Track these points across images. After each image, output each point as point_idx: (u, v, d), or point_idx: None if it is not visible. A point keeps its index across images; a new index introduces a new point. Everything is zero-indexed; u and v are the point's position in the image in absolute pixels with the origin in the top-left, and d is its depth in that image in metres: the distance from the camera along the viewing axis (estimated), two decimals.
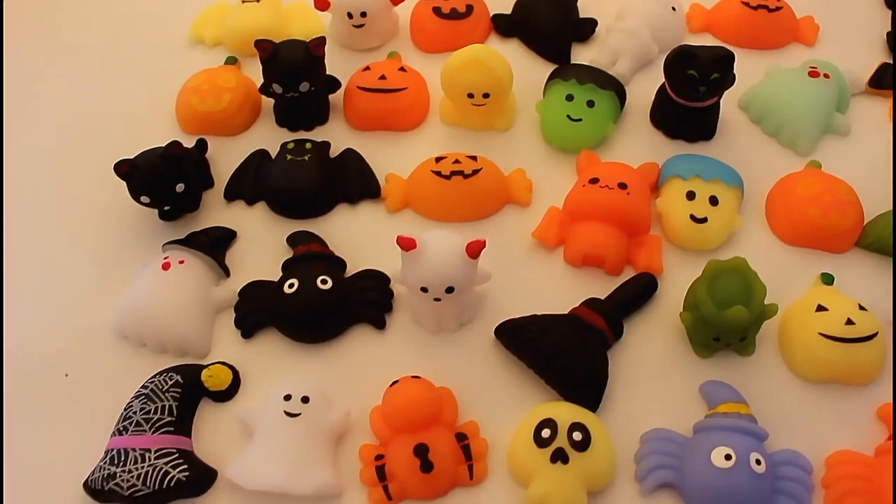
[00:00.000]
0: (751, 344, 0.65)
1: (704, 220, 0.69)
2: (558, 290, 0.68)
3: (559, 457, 0.56)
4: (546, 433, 0.57)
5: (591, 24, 0.87)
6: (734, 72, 0.71)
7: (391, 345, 0.67)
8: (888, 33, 0.87)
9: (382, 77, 0.79)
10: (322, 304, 0.65)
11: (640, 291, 0.67)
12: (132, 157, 0.69)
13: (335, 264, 0.69)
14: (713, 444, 0.57)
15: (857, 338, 0.62)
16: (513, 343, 0.64)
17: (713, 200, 0.70)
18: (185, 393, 0.63)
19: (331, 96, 0.80)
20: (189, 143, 0.76)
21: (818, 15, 0.88)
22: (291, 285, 0.66)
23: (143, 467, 0.58)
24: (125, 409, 0.62)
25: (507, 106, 0.79)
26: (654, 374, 0.64)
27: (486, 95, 0.74)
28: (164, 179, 0.69)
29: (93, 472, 0.60)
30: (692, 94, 0.72)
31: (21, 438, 0.63)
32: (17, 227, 0.75)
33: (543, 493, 0.56)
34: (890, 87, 0.82)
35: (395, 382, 0.61)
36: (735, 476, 0.56)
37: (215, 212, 0.75)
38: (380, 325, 0.67)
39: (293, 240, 0.71)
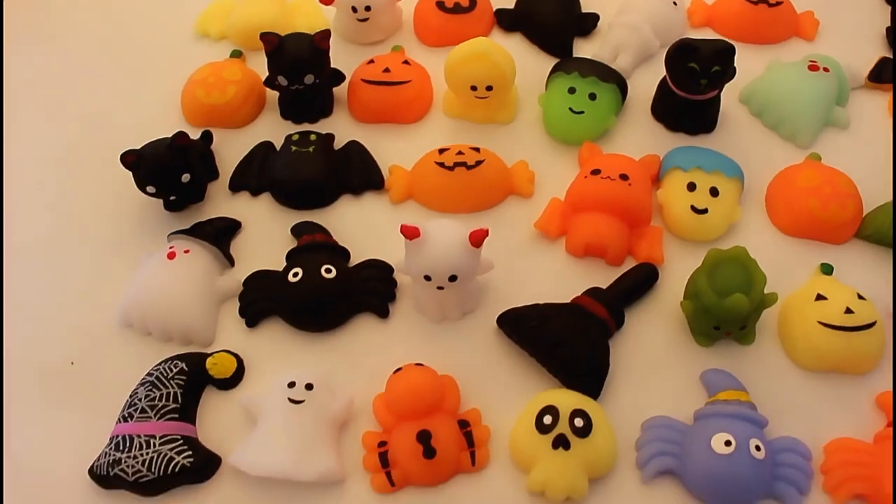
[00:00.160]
0: (751, 333, 0.65)
1: (705, 211, 0.70)
2: (560, 280, 0.69)
3: (561, 443, 0.57)
4: (548, 420, 0.58)
5: (593, 19, 0.87)
6: (735, 65, 0.72)
7: (394, 333, 0.67)
8: (888, 28, 0.87)
9: (386, 70, 0.79)
10: (326, 293, 0.66)
11: (641, 281, 0.68)
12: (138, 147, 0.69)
13: (339, 254, 0.69)
14: (713, 431, 0.58)
15: (856, 326, 0.62)
16: (515, 332, 0.64)
17: (714, 192, 0.71)
18: (189, 380, 0.63)
19: (335, 89, 0.81)
20: (195, 135, 0.76)
21: (818, 10, 0.89)
22: (296, 274, 0.66)
23: (147, 453, 0.59)
24: (130, 396, 0.62)
25: (510, 99, 0.79)
26: (654, 363, 0.65)
27: (489, 88, 0.75)
28: (170, 169, 0.69)
29: (98, 458, 0.60)
30: (693, 86, 0.72)
31: (27, 425, 0.63)
32: (25, 218, 0.76)
33: (545, 479, 0.57)
34: (889, 81, 0.82)
35: (398, 370, 0.61)
36: (735, 462, 0.56)
37: (220, 203, 0.75)
38: (383, 313, 0.67)
39: (297, 230, 0.71)
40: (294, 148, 0.75)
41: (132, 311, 0.67)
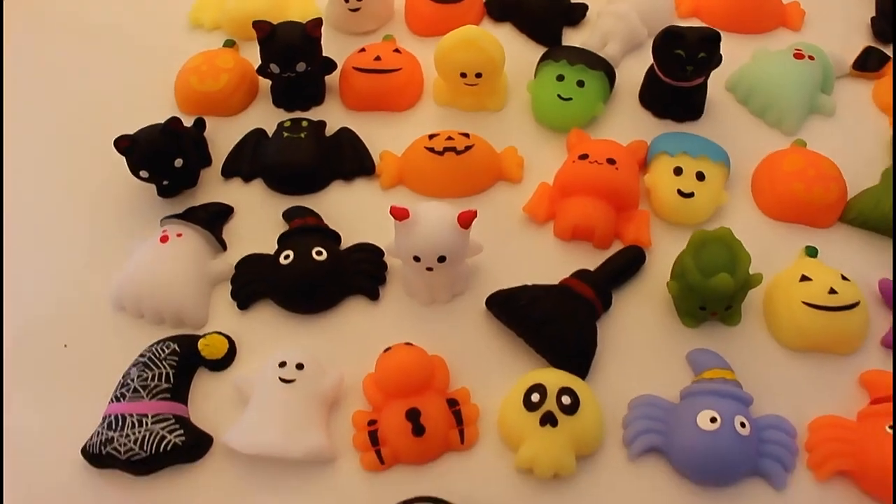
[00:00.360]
0: (736, 313, 0.66)
1: (691, 194, 0.71)
2: (548, 264, 0.69)
3: (548, 420, 0.57)
4: (535, 397, 0.58)
5: (581, 9, 0.88)
6: (720, 52, 0.73)
7: (384, 315, 0.68)
8: (872, 18, 0.88)
9: (378, 58, 0.80)
10: (317, 275, 0.66)
11: (628, 263, 0.69)
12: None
13: (330, 237, 0.70)
14: (699, 408, 0.58)
15: (840, 306, 0.63)
16: (503, 312, 0.65)
17: (700, 176, 0.72)
18: (182, 361, 0.64)
19: (327, 78, 0.82)
20: (188, 122, 0.77)
21: (804, 0, 0.90)
22: (287, 257, 0.67)
23: (140, 432, 0.59)
24: (123, 377, 0.63)
25: (500, 86, 0.80)
26: (641, 343, 0.66)
27: (478, 75, 0.76)
28: (164, 154, 0.70)
29: (91, 438, 0.60)
30: (680, 73, 0.73)
31: (21, 407, 0.64)
32: (19, 203, 0.76)
33: (533, 456, 0.57)
34: (874, 70, 0.83)
35: (387, 349, 0.62)
36: (720, 438, 0.57)
37: (213, 189, 0.76)
38: (373, 296, 0.68)
39: (289, 215, 0.72)
40: (286, 134, 0.75)
41: (125, 294, 0.67)
